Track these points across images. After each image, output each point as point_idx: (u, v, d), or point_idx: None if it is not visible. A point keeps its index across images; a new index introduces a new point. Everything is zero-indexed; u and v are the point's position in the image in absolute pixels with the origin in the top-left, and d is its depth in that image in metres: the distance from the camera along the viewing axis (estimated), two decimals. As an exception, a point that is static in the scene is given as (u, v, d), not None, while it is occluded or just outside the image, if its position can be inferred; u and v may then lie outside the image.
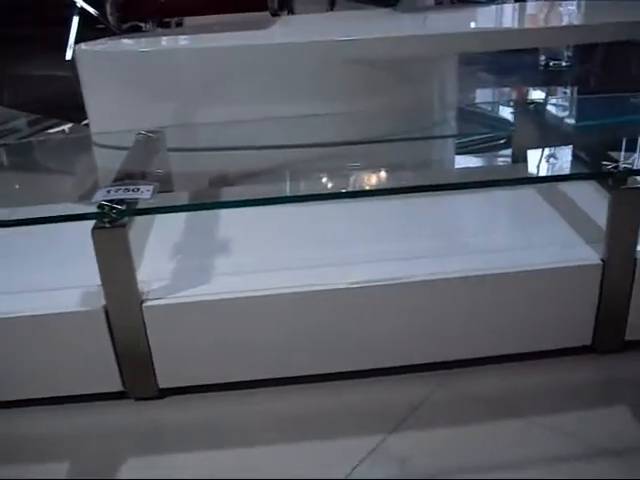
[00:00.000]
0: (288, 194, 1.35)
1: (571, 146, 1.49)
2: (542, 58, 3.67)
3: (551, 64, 3.63)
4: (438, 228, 1.42)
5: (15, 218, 1.23)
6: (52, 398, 1.25)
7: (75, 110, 1.97)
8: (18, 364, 1.22)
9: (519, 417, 1.19)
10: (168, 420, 1.23)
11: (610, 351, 1.33)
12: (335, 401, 1.25)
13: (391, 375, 1.29)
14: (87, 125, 1.85)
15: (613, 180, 1.21)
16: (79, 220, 1.14)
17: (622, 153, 1.41)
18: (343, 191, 1.26)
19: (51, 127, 3.00)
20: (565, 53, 3.62)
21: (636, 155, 1.50)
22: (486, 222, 1.46)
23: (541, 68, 3.63)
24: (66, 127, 2.91)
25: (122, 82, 1.71)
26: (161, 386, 1.25)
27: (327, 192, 1.26)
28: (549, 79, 3.45)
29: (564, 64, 3.62)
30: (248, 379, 1.26)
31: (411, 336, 1.26)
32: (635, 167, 1.21)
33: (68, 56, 3.48)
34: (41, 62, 4.02)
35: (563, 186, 1.51)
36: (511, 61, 3.77)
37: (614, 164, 1.22)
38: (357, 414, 1.22)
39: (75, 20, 3.51)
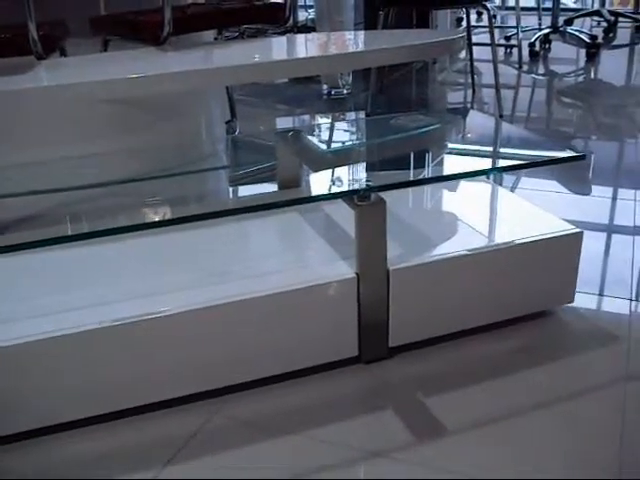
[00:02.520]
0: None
1: (331, 169, 1.57)
2: (324, 87, 3.84)
3: (333, 92, 3.80)
4: (205, 258, 1.44)
5: None
6: None
7: None
8: None
9: (294, 433, 1.23)
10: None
11: (376, 359, 1.41)
12: (111, 441, 1.24)
13: (166, 408, 1.30)
14: None
15: (357, 197, 1.29)
16: None
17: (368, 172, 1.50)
18: (112, 227, 1.26)
19: None
20: (340, 82, 3.79)
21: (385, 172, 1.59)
22: (254, 248, 1.50)
23: (324, 96, 3.79)
24: None
25: None
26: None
27: (98, 230, 1.25)
28: (331, 106, 3.60)
29: (345, 91, 3.80)
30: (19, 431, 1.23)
31: (182, 366, 1.28)
32: (375, 184, 1.29)
33: None
34: None
35: (326, 207, 1.59)
36: (298, 91, 3.92)
37: (357, 182, 1.30)
38: (132, 451, 1.21)
39: None
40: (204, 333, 1.27)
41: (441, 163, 1.53)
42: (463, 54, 4.92)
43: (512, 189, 2.35)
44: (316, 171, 1.53)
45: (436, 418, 1.26)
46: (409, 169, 1.49)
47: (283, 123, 3.30)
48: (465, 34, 1.75)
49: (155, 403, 1.30)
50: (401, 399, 1.32)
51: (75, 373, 1.22)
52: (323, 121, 3.16)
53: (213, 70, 1.71)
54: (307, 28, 4.99)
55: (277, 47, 2.24)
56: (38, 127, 1.65)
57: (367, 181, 1.32)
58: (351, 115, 3.35)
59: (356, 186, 1.31)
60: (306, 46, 2.21)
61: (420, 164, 1.52)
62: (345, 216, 1.52)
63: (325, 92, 3.81)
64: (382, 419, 1.27)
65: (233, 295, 1.27)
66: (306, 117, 3.36)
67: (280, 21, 2.48)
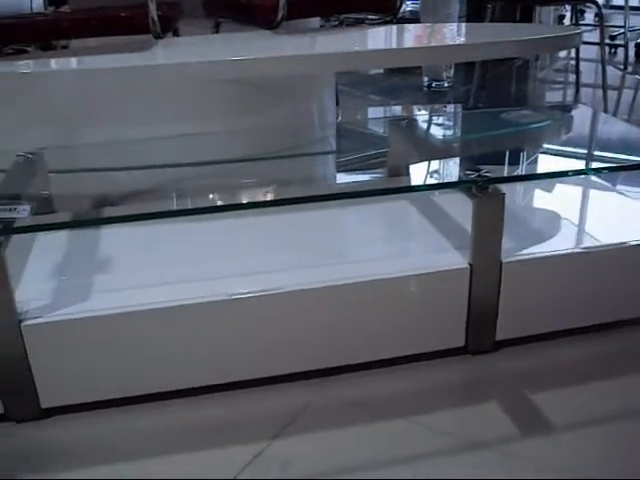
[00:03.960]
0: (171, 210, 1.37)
1: (442, 159, 1.57)
2: (425, 79, 3.81)
3: (434, 85, 3.77)
4: (316, 240, 1.46)
5: None
6: None
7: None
8: None
9: (399, 418, 1.24)
10: (52, 439, 1.23)
11: (482, 351, 1.40)
12: (219, 411, 1.27)
13: (274, 384, 1.32)
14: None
15: (475, 188, 1.29)
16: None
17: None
18: (225, 204, 1.29)
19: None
20: (444, 74, 3.76)
21: (504, 165, 1.58)
22: (363, 233, 1.52)
23: (425, 89, 3.77)
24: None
25: (2, 103, 1.69)
26: (44, 406, 1.24)
27: (211, 206, 1.28)
28: (432, 98, 3.58)
29: (446, 84, 3.78)
30: (131, 395, 1.27)
31: (290, 345, 1.30)
32: (494, 175, 1.29)
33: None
34: None
35: (436, 197, 1.59)
36: (396, 83, 3.91)
37: (476, 173, 1.30)
38: (240, 423, 1.25)
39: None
40: (315, 312, 1.28)
41: (557, 159, 1.52)
42: (563, 53, 4.81)
43: (622, 189, 2.30)
44: (431, 160, 1.53)
45: (542, 414, 1.25)
46: (524, 163, 1.47)
47: (386, 112, 3.30)
48: (581, 30, 1.72)
49: (262, 379, 1.32)
50: (507, 392, 1.31)
51: (188, 343, 1.26)
52: (431, 112, 3.15)
53: (327, 55, 1.72)
54: (405, 20, 4.97)
55: (386, 36, 2.24)
56: (155, 104, 1.69)
57: (486, 172, 1.31)
58: (458, 107, 3.33)
59: (474, 177, 1.31)
60: (415, 36, 2.20)
61: (534, 159, 1.51)
62: (455, 206, 1.51)
63: (426, 84, 3.79)
64: (487, 411, 1.26)
65: (347, 277, 1.28)
66: (410, 107, 3.35)
67: (389, 11, 2.47)
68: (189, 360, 1.27)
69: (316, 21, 2.72)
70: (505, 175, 1.30)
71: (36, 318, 1.19)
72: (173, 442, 1.21)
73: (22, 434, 1.24)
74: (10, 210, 1.19)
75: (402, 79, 4.00)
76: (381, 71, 4.25)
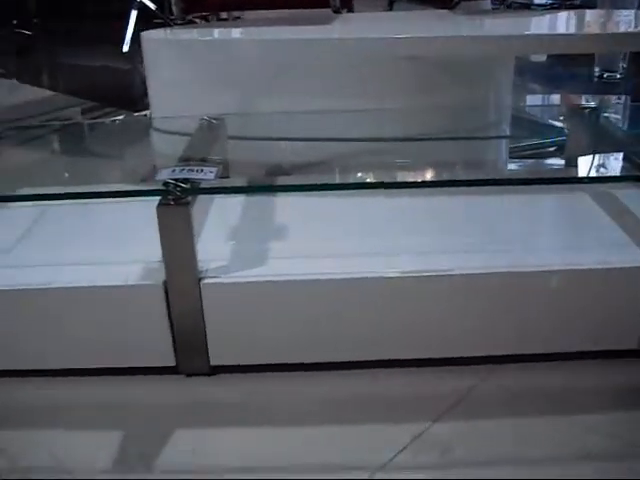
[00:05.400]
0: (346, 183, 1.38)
1: (624, 152, 1.50)
2: (596, 70, 3.66)
3: (605, 75, 3.62)
4: (487, 225, 1.43)
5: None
6: (105, 369, 1.30)
7: (130, 100, 2.02)
8: (76, 334, 1.27)
9: (562, 415, 1.20)
10: (219, 396, 1.27)
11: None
12: (382, 388, 1.27)
13: (437, 366, 1.31)
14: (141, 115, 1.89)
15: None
16: (144, 196, 1.18)
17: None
18: (398, 182, 1.29)
19: (104, 116, 3.08)
20: (620, 64, 3.60)
21: None
22: (537, 222, 1.47)
23: (595, 79, 3.62)
24: (119, 117, 3.00)
25: (185, 70, 1.75)
26: (213, 363, 1.29)
27: (384, 182, 1.28)
28: (603, 89, 3.44)
29: (618, 76, 3.61)
30: (298, 361, 1.29)
31: (458, 329, 1.28)
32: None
33: (125, 48, 3.57)
34: (98, 53, 4.11)
35: (618, 192, 1.51)
36: (565, 72, 3.77)
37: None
38: (402, 401, 1.24)
39: (133, 14, 3.60)
40: (482, 297, 1.26)
41: None
42: None
43: None
44: (614, 152, 1.46)
45: None
46: None
47: (561, 102, 3.19)
48: None
49: (429, 359, 1.31)
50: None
51: (364, 316, 1.26)
52: (608, 103, 3.02)
53: (509, 37, 1.68)
54: (573, 6, 4.79)
55: (566, 20, 2.17)
56: (332, 78, 1.69)
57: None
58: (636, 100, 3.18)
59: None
60: (596, 21, 2.12)
61: None
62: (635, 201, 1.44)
63: (597, 74, 3.64)
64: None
65: (531, 265, 1.24)
66: (584, 97, 3.23)
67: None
68: (356, 334, 1.27)
69: (487, 3, 2.66)
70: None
71: (214, 277, 1.22)
72: (331, 413, 1.22)
73: (190, 388, 1.29)
74: (197, 171, 1.23)
75: (567, 68, 3.86)
76: (543, 58, 4.10)
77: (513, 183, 1.28)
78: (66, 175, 1.59)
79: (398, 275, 1.23)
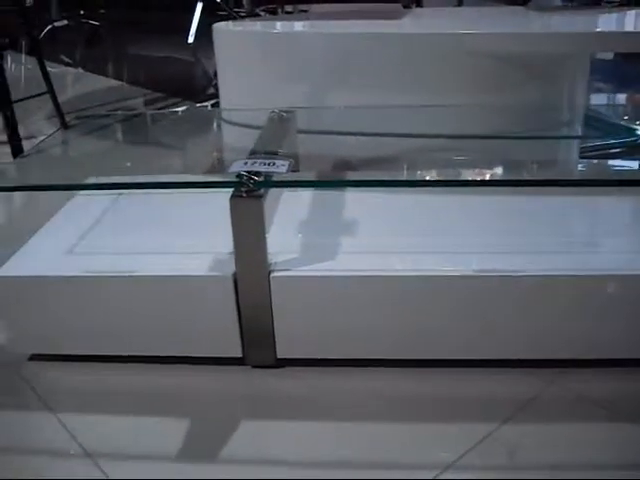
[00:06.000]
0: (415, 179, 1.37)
1: None
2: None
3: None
4: (559, 226, 1.40)
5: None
6: (174, 357, 1.32)
7: (193, 91, 2.03)
8: (145, 322, 1.29)
9: (636, 424, 1.18)
10: (284, 389, 1.27)
11: None
12: (449, 386, 1.26)
13: (506, 367, 1.29)
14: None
15: None
16: (219, 187, 1.19)
17: None
18: (469, 179, 1.27)
19: (169, 106, 3.11)
20: None
21: None
22: (609, 224, 1.44)
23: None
24: (183, 107, 3.03)
25: (255, 62, 1.75)
26: (279, 356, 1.29)
27: (455, 180, 1.26)
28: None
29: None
30: (364, 357, 1.29)
31: (529, 330, 1.26)
32: None
33: (190, 40, 3.61)
34: (163, 44, 4.16)
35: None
36: (633, 70, 3.68)
37: None
38: (470, 401, 1.23)
39: (199, 6, 3.64)
40: (556, 300, 1.23)
41: None
42: None
43: None
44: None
45: None
46: None
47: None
48: None
49: (502, 360, 1.29)
50: None
51: (428, 313, 1.25)
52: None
53: (585, 35, 1.65)
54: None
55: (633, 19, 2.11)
56: (401, 72, 1.68)
57: None
58: None
59: None
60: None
61: None
62: None
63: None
64: None
65: (594, 268, 1.22)
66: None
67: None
68: (425, 332, 1.27)
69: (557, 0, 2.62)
70: None
71: (284, 271, 1.23)
72: (397, 411, 1.22)
73: (256, 379, 1.30)
74: (269, 164, 1.23)
75: (635, 67, 3.76)
76: (610, 56, 4.01)
77: (584, 184, 1.25)
78: (135, 165, 1.60)
79: (469, 274, 1.22)
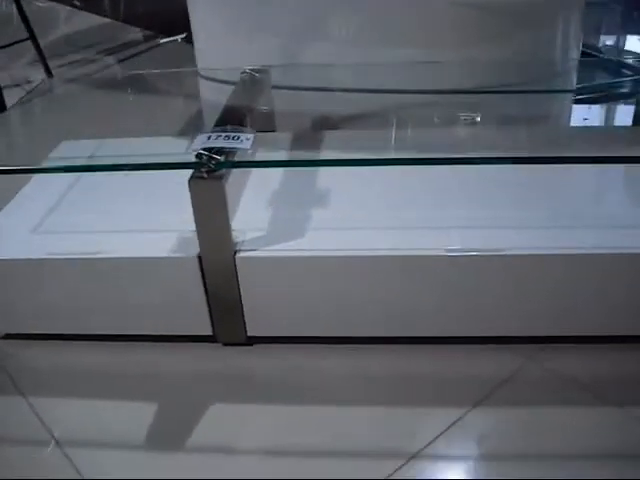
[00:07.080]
0: (395, 149, 1.30)
1: None
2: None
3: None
4: (549, 198, 1.33)
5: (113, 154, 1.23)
6: (140, 336, 1.30)
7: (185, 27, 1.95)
8: (114, 301, 1.26)
9: (614, 406, 1.14)
10: (254, 367, 1.25)
11: None
12: (420, 366, 1.23)
13: (480, 344, 1.26)
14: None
15: None
16: (177, 169, 1.14)
17: None
18: (460, 156, 1.20)
19: (162, 44, 3.05)
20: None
21: None
22: (600, 196, 1.37)
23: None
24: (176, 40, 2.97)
25: (230, 17, 1.68)
26: (250, 334, 1.27)
27: (439, 157, 1.19)
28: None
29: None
30: (336, 335, 1.27)
31: (508, 308, 1.21)
32: None
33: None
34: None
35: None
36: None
37: None
38: (445, 381, 1.20)
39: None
40: (537, 277, 1.18)
41: None
42: None
43: None
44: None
45: None
46: None
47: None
48: None
49: (474, 337, 1.25)
50: None
51: (412, 292, 1.21)
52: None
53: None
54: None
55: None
56: (383, 26, 1.59)
57: None
58: None
59: None
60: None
61: None
62: None
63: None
64: None
65: (583, 246, 1.16)
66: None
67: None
68: (400, 310, 1.23)
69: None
70: None
71: (250, 251, 1.19)
72: (366, 392, 1.19)
73: (227, 357, 1.28)
74: (233, 139, 1.17)
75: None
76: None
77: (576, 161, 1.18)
78: (109, 125, 1.55)
79: (447, 254, 1.16)
